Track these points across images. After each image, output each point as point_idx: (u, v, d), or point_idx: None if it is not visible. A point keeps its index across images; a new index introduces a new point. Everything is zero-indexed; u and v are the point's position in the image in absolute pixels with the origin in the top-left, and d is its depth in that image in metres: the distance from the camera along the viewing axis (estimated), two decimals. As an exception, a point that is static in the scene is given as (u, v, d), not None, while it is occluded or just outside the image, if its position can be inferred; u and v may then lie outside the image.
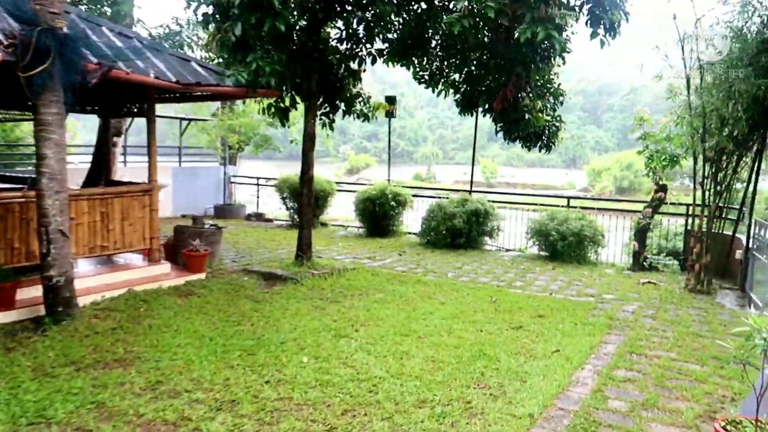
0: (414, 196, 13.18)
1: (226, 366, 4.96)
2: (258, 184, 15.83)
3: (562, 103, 9.40)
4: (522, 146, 9.81)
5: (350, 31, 9.00)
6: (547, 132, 9.42)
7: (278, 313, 6.55)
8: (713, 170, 8.34)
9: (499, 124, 9.24)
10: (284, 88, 8.66)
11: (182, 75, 7.27)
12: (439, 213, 11.40)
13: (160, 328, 5.89)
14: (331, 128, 9.87)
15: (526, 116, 8.57)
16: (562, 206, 11.39)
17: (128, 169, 13.97)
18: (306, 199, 8.86)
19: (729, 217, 9.16)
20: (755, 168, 8.34)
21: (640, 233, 10.09)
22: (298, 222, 9.65)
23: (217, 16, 7.86)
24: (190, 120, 15.74)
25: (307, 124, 8.78)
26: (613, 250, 11.18)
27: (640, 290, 8.38)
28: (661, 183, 10.03)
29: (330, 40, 9.33)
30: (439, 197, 12.54)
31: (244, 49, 7.58)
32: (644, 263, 10.03)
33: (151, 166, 7.94)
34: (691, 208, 9.70)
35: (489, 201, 11.82)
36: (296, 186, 11.44)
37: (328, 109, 9.57)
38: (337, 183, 15.77)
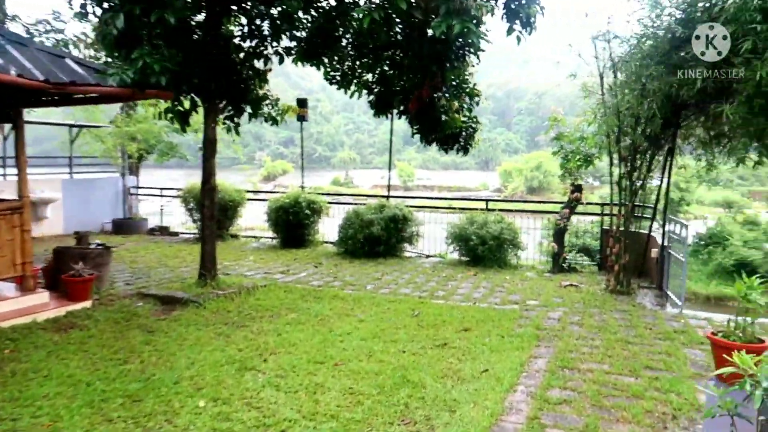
0: (330, 203, 12.50)
1: (103, 419, 4.08)
2: (161, 195, 14.58)
3: (477, 104, 9.04)
4: (439, 149, 9.39)
5: (253, 27, 8.23)
6: (464, 134, 9.03)
7: (174, 345, 5.67)
8: (628, 169, 8.23)
9: (415, 127, 8.73)
10: (182, 89, 7.76)
11: (53, 73, 6.22)
12: (356, 220, 10.79)
13: (26, 374, 4.88)
14: (237, 132, 8.99)
15: (443, 117, 8.12)
16: (481, 209, 11.09)
17: (9, 182, 12.37)
18: (208, 211, 7.96)
19: (644, 215, 9.15)
20: (667, 166, 8.31)
21: (559, 234, 9.93)
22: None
23: (96, 6, 6.89)
24: (80, 127, 14.23)
25: (207, 128, 7.91)
26: (532, 252, 11.02)
27: (563, 294, 8.13)
28: (576, 183, 9.91)
29: (233, 37, 8.50)
30: (357, 203, 11.93)
31: (129, 44, 6.65)
32: (563, 264, 9.87)
33: (21, 180, 6.81)
34: (607, 207, 9.65)
35: (407, 206, 11.35)
36: (201, 196, 10.46)
37: (232, 112, 8.72)
38: (252, 191, 14.88)
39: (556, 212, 10.27)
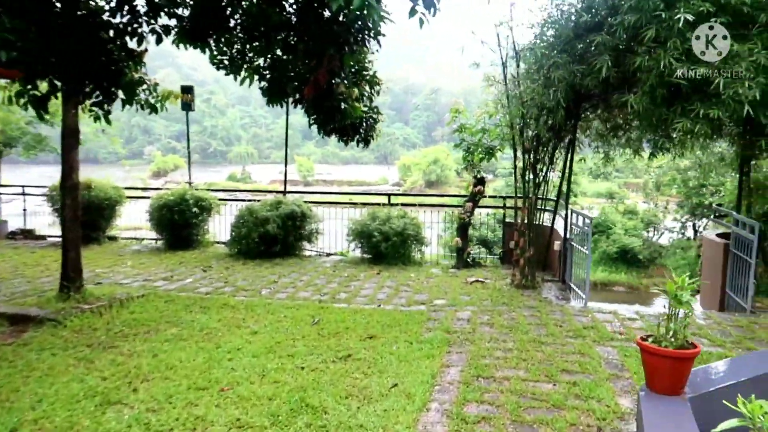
0: (223, 200, 11.48)
1: None
2: (24, 194, 12.77)
3: (378, 93, 8.47)
4: (339, 140, 8.73)
5: (124, 1, 7.12)
6: (364, 124, 8.45)
7: (19, 377, 4.61)
8: (532, 161, 8.03)
9: (312, 116, 8.02)
10: (36, 69, 6.53)
11: None
12: (250, 218, 9.89)
13: None
14: (107, 121, 7.79)
15: (342, 105, 7.47)
16: (383, 204, 10.58)
17: None
18: (70, 212, 6.78)
19: (546, 208, 9.04)
20: (568, 158, 8.20)
21: (462, 229, 9.63)
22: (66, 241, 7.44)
23: None
24: None
25: (67, 115, 6.74)
26: (436, 247, 10.70)
27: (470, 291, 7.79)
28: (479, 176, 9.66)
29: (101, 12, 7.33)
30: (252, 200, 10.98)
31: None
32: (468, 259, 9.58)
33: None
34: (510, 200, 9.49)
35: (305, 202, 10.60)
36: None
37: (100, 97, 7.54)
38: (141, 188, 13.51)
39: (458, 206, 9.99)
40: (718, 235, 8.67)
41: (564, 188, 8.48)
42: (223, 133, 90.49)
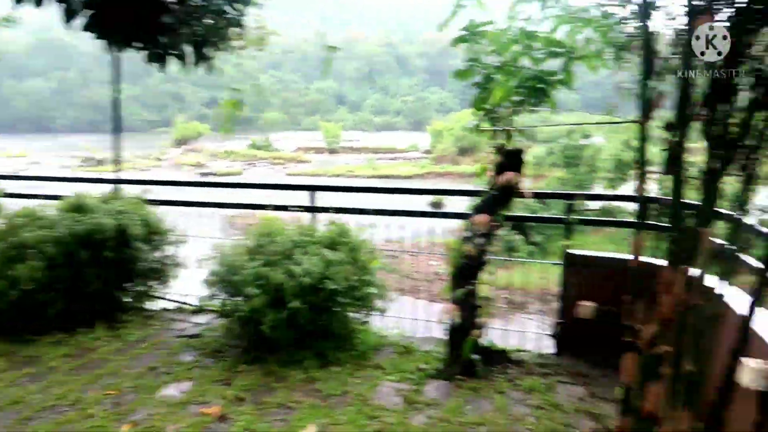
0: (13, 196, 5.83)
1: None
2: None
3: None
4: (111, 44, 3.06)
5: None
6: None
7: None
8: (707, 102, 2.09)
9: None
10: None
11: None
12: (2, 246, 4.32)
13: None
14: None
15: None
16: (290, 207, 4.74)
17: None
18: None
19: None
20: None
21: (462, 277, 3.76)
22: None
23: None
24: None
25: None
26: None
27: None
28: (506, 148, 3.79)
29: None
30: (43, 196, 5.29)
31: None
32: (472, 357, 3.74)
33: None
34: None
35: (150, 201, 4.96)
36: None
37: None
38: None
39: (466, 215, 4.08)
40: None
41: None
42: (255, 99, 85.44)
